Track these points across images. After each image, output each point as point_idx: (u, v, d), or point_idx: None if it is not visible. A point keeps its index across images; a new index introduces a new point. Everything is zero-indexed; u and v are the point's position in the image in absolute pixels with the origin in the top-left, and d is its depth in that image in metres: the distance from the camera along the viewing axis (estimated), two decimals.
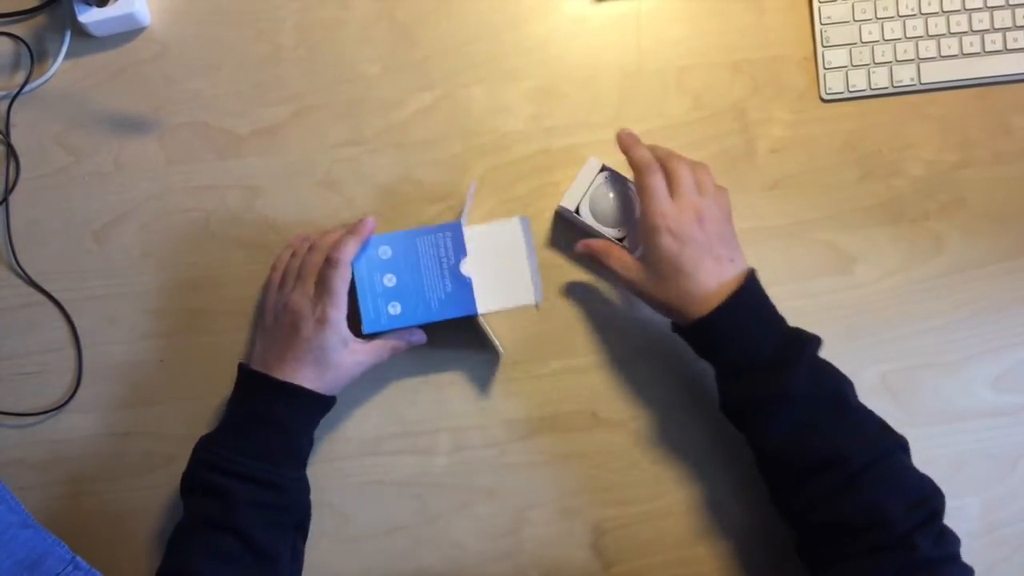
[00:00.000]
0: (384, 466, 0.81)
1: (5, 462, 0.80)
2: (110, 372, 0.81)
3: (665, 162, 0.73)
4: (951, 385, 0.82)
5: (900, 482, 0.68)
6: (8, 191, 0.82)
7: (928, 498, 0.67)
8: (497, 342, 0.80)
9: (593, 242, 0.76)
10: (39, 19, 0.84)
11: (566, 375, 0.82)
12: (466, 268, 0.76)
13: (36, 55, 0.83)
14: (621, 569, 0.80)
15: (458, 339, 0.81)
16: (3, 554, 0.72)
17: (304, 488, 0.74)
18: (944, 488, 0.79)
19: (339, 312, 0.72)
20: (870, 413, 0.70)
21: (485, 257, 0.77)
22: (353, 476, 0.81)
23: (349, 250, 0.72)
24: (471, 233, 0.77)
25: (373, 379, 0.81)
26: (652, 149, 0.75)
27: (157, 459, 0.81)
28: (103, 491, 0.80)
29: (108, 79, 0.84)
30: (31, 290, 0.82)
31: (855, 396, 0.71)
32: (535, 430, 0.81)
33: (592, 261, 0.77)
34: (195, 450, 0.73)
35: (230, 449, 0.71)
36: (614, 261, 0.75)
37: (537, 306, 0.76)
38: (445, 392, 0.81)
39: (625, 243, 0.78)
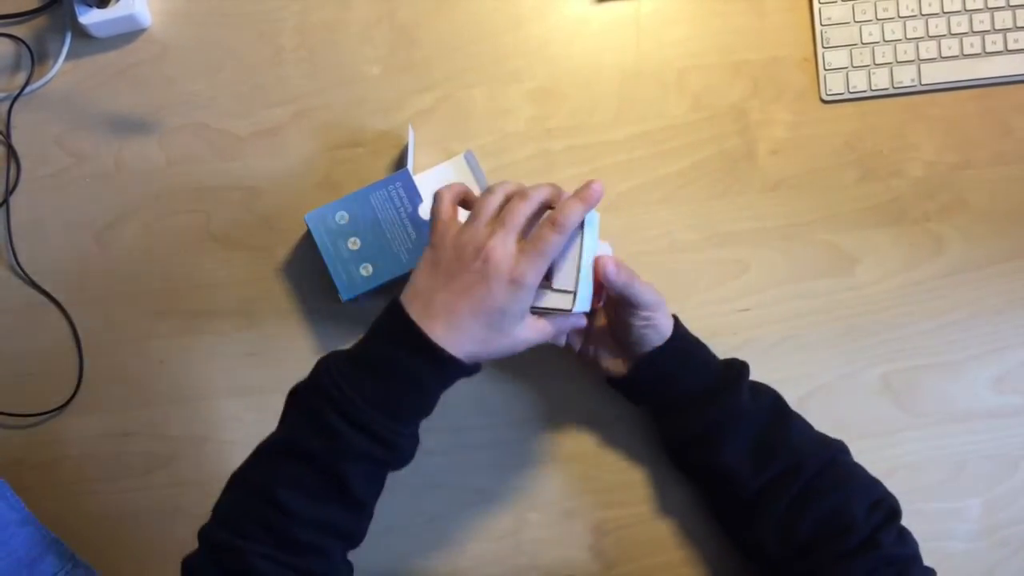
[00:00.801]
0: None
1: (6, 462, 0.80)
2: (111, 373, 0.81)
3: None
4: (952, 386, 0.82)
5: (856, 483, 0.70)
6: (9, 192, 0.82)
7: (885, 497, 0.69)
8: None
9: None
10: (40, 20, 0.84)
11: (564, 377, 0.81)
12: (425, 213, 0.76)
13: (37, 56, 0.84)
14: (621, 570, 0.79)
15: None
16: (3, 551, 0.72)
17: (415, 442, 0.68)
18: (945, 489, 0.80)
19: (538, 278, 0.63)
20: (806, 421, 0.73)
21: None
22: None
23: (576, 217, 0.63)
24: (420, 180, 0.78)
25: None
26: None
27: (157, 460, 0.81)
28: (103, 492, 0.80)
29: (109, 80, 0.84)
30: (32, 291, 0.82)
31: (788, 406, 0.74)
32: (535, 431, 0.81)
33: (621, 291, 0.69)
34: (319, 371, 0.65)
35: (357, 390, 0.63)
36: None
37: None
38: (444, 392, 0.81)
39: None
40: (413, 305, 0.64)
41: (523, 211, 0.64)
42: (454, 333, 0.63)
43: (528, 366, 0.81)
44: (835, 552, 0.66)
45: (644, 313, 0.70)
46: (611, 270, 0.67)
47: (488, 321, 0.63)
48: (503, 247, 0.63)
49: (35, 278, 0.82)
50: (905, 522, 0.69)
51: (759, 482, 0.70)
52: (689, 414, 0.73)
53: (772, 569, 0.71)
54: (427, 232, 0.76)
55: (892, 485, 0.70)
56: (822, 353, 0.82)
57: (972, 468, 0.81)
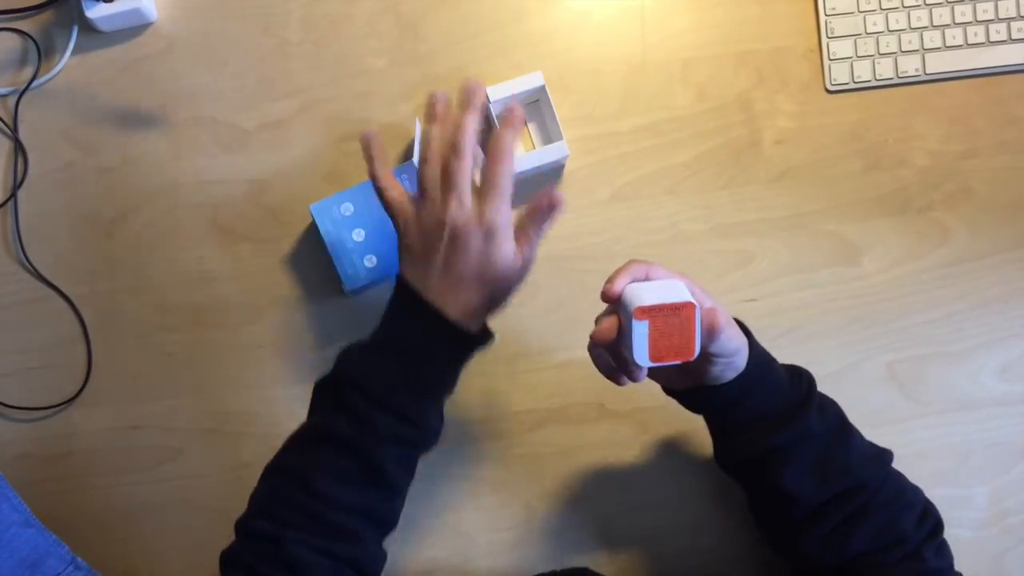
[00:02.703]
0: None
1: (14, 456, 0.80)
2: (118, 366, 0.82)
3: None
4: (958, 375, 0.82)
5: (905, 497, 0.68)
6: (16, 186, 0.83)
7: (930, 509, 0.68)
8: None
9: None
10: (46, 15, 0.84)
11: (573, 367, 0.82)
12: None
13: (43, 51, 0.84)
14: (629, 559, 0.80)
15: None
16: (5, 553, 0.72)
17: (440, 422, 0.68)
18: (951, 478, 0.81)
19: (507, 216, 0.64)
20: (860, 433, 0.70)
21: None
22: None
23: (512, 142, 0.64)
24: None
25: None
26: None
27: (165, 453, 0.81)
28: (111, 485, 0.81)
29: (115, 74, 0.84)
30: (40, 284, 0.82)
31: (848, 421, 0.70)
32: (542, 421, 0.81)
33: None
34: (341, 360, 0.67)
35: (380, 373, 0.64)
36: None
37: None
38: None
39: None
40: (415, 284, 0.65)
41: (464, 168, 0.64)
42: (458, 303, 0.64)
43: (535, 357, 0.82)
44: (877, 562, 0.65)
45: (724, 359, 0.63)
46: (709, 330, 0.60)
47: (483, 279, 0.64)
48: (462, 211, 0.63)
49: (43, 272, 0.82)
50: None
51: (816, 501, 0.66)
52: (751, 436, 0.67)
53: (808, 569, 0.70)
54: None
55: None
56: (828, 343, 0.82)
57: (978, 456, 0.81)
